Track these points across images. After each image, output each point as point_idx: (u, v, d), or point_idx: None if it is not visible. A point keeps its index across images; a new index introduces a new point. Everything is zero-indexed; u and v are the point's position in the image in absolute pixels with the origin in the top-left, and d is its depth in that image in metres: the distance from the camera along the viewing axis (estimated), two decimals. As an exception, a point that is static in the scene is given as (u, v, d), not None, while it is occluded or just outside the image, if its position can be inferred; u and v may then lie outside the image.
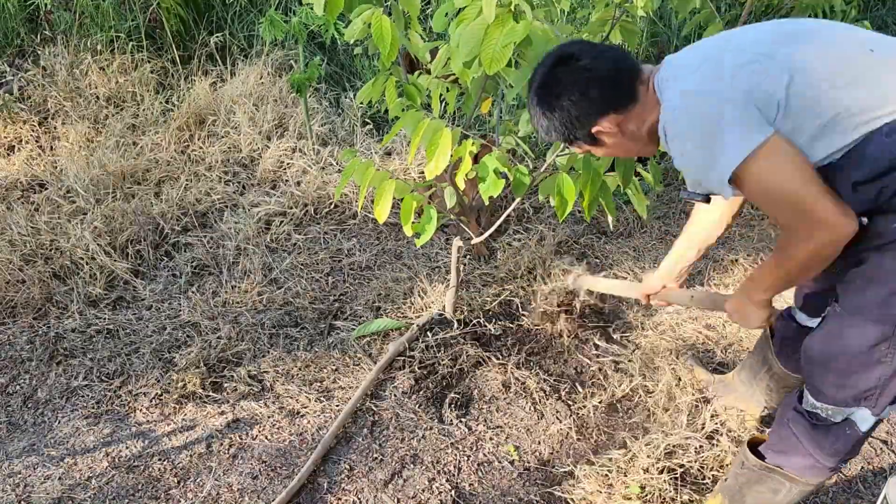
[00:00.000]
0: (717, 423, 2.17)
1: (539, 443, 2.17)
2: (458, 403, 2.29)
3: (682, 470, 2.03)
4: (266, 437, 2.16)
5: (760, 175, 1.37)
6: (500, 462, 2.11)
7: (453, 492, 2.01)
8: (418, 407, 2.27)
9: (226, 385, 2.34)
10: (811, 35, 1.42)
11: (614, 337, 2.57)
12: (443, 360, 2.41)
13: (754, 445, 1.78)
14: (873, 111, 1.34)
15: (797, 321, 1.93)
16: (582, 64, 1.49)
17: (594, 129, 1.53)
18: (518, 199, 2.14)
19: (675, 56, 1.52)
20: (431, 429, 2.21)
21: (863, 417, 1.56)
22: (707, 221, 1.89)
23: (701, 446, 2.11)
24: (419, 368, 2.39)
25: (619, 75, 1.50)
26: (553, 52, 1.54)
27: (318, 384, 2.36)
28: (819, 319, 1.75)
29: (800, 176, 1.36)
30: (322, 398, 2.30)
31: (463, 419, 2.24)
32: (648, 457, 2.05)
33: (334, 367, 2.42)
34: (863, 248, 1.44)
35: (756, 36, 1.44)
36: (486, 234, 2.33)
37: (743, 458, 1.78)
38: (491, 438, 2.18)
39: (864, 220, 1.41)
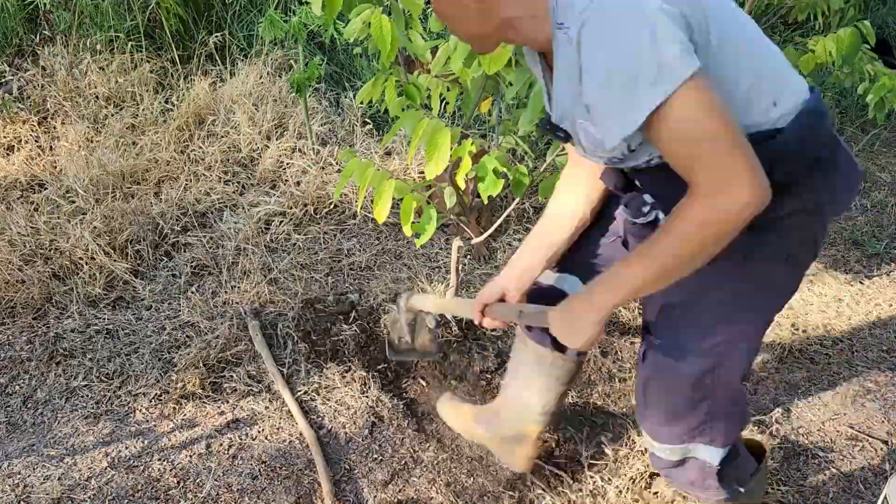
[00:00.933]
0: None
1: (542, 442, 2.16)
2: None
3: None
4: (266, 437, 2.16)
5: (685, 111, 1.09)
6: (500, 462, 2.11)
7: (453, 492, 2.01)
8: (419, 407, 2.27)
9: (226, 385, 2.34)
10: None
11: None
12: (442, 360, 2.41)
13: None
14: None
15: (539, 284, 1.69)
16: None
17: None
18: (518, 199, 2.14)
19: None
20: (431, 429, 2.20)
21: (706, 452, 1.52)
22: (557, 219, 1.60)
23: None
24: (419, 369, 2.39)
25: None
26: None
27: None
28: (559, 272, 1.68)
29: (729, 118, 1.12)
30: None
31: (463, 419, 2.24)
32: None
33: (334, 367, 2.42)
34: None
35: None
36: (487, 234, 2.33)
37: None
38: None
39: (661, 217, 1.29)
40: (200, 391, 2.31)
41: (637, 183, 1.37)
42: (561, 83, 1.27)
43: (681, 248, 1.17)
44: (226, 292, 2.71)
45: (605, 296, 1.31)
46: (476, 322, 1.69)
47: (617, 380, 2.40)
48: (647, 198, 1.36)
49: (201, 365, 2.38)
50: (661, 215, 1.35)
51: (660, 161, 1.23)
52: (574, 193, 1.59)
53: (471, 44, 1.38)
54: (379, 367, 2.40)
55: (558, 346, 1.69)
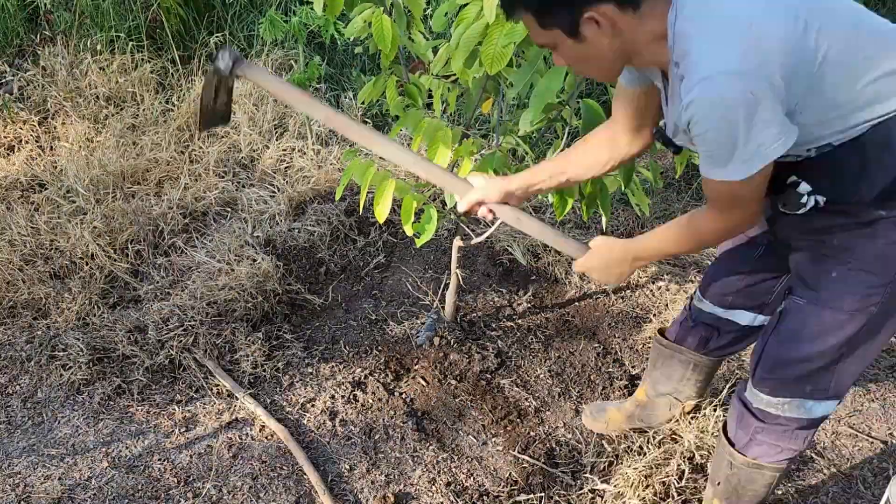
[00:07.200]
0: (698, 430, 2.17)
1: (542, 442, 2.17)
2: (459, 403, 2.29)
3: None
4: (266, 437, 2.16)
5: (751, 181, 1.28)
6: (501, 461, 2.11)
7: (453, 492, 2.01)
8: (419, 407, 2.27)
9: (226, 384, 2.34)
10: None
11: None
12: (443, 361, 2.41)
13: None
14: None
15: (739, 322, 1.84)
16: None
17: (589, 13, 1.26)
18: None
19: None
20: (431, 429, 2.20)
21: (821, 406, 1.55)
22: (586, 162, 1.68)
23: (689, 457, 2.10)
24: (419, 369, 2.39)
25: None
26: None
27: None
28: (757, 314, 1.80)
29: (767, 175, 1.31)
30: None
31: (463, 420, 2.24)
32: (643, 459, 2.05)
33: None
34: (837, 233, 1.39)
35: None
36: (487, 234, 2.33)
37: (729, 458, 1.71)
38: (492, 438, 2.18)
39: (820, 200, 1.37)
40: (201, 391, 2.31)
41: (795, 177, 1.43)
42: (673, 107, 1.36)
43: (697, 239, 1.52)
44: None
45: (641, 257, 1.62)
46: (464, 208, 1.70)
47: (616, 379, 2.40)
48: (804, 188, 1.40)
49: (204, 364, 2.38)
50: (819, 199, 1.40)
51: (816, 152, 1.34)
52: (611, 149, 1.65)
53: (597, 77, 1.54)
54: (380, 365, 2.40)
55: (704, 351, 1.97)
